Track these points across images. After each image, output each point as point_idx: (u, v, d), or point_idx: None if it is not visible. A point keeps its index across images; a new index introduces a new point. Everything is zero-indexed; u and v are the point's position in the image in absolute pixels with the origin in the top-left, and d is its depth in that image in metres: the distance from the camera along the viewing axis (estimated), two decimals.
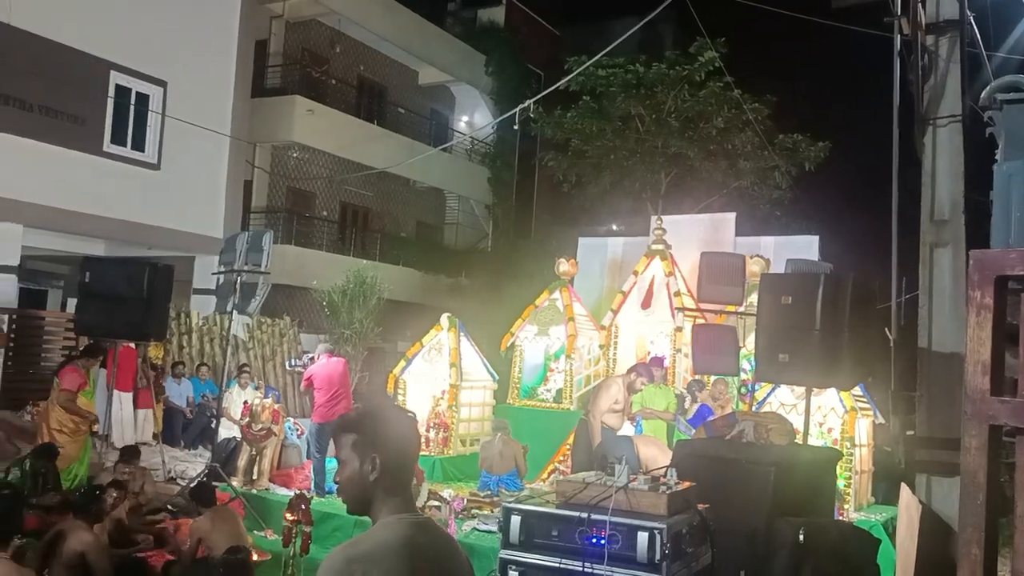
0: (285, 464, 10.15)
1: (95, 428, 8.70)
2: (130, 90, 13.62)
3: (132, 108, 13.65)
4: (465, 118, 25.00)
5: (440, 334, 10.94)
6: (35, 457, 8.10)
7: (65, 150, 12.54)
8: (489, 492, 8.34)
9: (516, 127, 10.58)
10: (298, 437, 10.66)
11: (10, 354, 11.75)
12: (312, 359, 9.87)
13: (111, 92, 13.30)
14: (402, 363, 11.07)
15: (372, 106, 22.17)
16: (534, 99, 10.83)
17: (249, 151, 17.28)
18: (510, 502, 3.87)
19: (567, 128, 18.83)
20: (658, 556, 3.43)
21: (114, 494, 6.96)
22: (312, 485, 8.97)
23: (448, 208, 24.98)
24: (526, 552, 3.57)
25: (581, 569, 3.41)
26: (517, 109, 10.18)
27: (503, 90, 22.99)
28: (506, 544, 3.63)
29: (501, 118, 12.38)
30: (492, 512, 7.68)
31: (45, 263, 16.27)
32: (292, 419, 10.78)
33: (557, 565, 3.49)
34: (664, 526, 3.51)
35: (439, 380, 10.55)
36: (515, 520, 3.61)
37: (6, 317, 11.72)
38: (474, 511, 7.91)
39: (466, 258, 22.27)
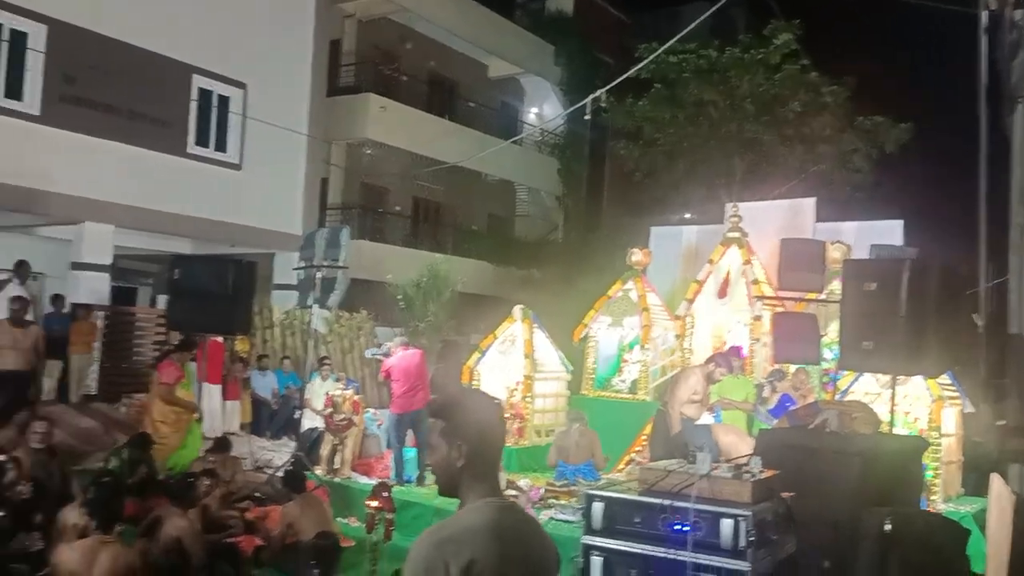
0: (365, 454, 10.39)
1: (197, 417, 9.08)
2: (212, 93, 14.08)
3: (214, 110, 14.10)
4: (535, 110, 25.02)
5: (513, 326, 11.03)
6: (131, 447, 8.48)
7: (152, 152, 13.03)
8: (566, 482, 8.38)
9: (587, 117, 10.53)
10: (378, 427, 10.88)
11: (105, 350, 12.29)
12: (388, 351, 10.05)
13: (194, 95, 13.76)
14: (476, 355, 11.20)
15: (443, 101, 22.39)
16: (605, 88, 10.75)
17: (325, 149, 17.66)
18: (592, 489, 3.91)
19: (638, 116, 18.69)
20: (743, 543, 3.43)
21: (206, 482, 7.27)
22: (392, 474, 9.16)
23: (519, 200, 25.06)
24: (609, 538, 3.61)
25: (664, 556, 3.44)
26: (588, 99, 10.14)
27: (573, 80, 22.92)
28: (588, 530, 3.68)
29: (571, 109, 12.35)
30: (569, 501, 7.73)
31: (134, 262, 16.95)
32: (372, 410, 11.01)
33: (640, 551, 3.52)
34: (748, 513, 3.50)
35: (513, 371, 10.64)
36: (597, 507, 3.66)
37: (101, 314, 12.27)
38: (551, 500, 7.97)
39: (537, 250, 22.31)
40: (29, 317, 9.76)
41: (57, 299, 12.16)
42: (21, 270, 11.49)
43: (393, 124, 18.92)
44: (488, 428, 2.20)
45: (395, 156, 20.21)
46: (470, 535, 2.02)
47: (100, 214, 12.45)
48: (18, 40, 11.60)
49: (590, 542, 3.69)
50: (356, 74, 20.03)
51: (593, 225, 23.55)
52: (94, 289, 12.52)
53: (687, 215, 19.76)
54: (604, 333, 11.03)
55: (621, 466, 9.47)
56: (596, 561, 3.62)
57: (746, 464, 3.83)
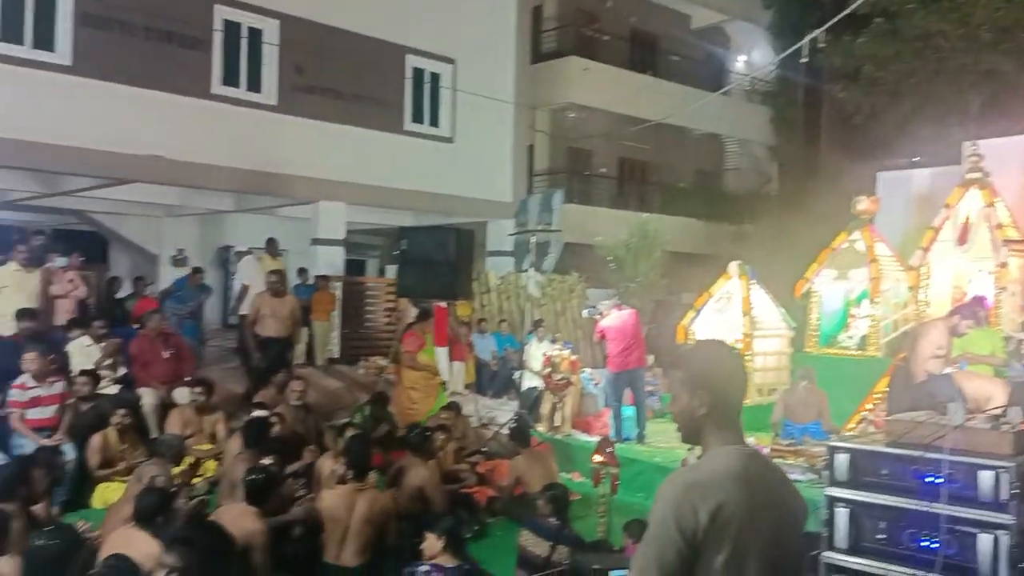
0: (584, 412, 10.62)
1: (441, 380, 9.73)
2: (424, 71, 14.74)
3: (427, 87, 14.77)
4: (743, 57, 23.98)
5: (729, 283, 10.78)
6: (372, 404, 9.25)
7: (374, 132, 13.88)
8: (792, 440, 8.15)
9: (804, 59, 9.94)
10: (594, 386, 11.08)
11: (342, 317, 13.36)
12: (601, 313, 10.17)
13: (408, 74, 14.48)
14: (691, 314, 11.06)
15: (645, 57, 22.03)
16: (823, 27, 10.11)
17: (530, 116, 17.97)
18: (836, 440, 3.82)
19: (858, 55, 17.36)
20: (1004, 495, 3.23)
21: (441, 437, 7.78)
22: (611, 431, 9.31)
23: (728, 153, 24.22)
24: (854, 490, 3.52)
25: (916, 507, 3.30)
26: (805, 40, 9.57)
27: (784, 23, 21.68)
28: (833, 482, 3.60)
29: (785, 53, 11.69)
30: (796, 461, 7.52)
31: (362, 236, 18.21)
32: (588, 369, 11.21)
33: (889, 503, 3.40)
34: (1011, 465, 3.30)
35: (731, 330, 10.41)
36: (842, 458, 3.57)
37: (338, 284, 13.34)
38: (776, 460, 7.78)
39: (749, 204, 21.48)
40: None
41: (301, 272, 13.37)
42: (271, 246, 12.74)
43: (596, 85, 18.89)
44: (729, 376, 2.22)
45: (599, 117, 20.19)
46: (718, 480, 2.05)
47: (333, 193, 13.47)
48: (255, 36, 12.73)
49: (834, 493, 3.61)
50: (558, 38, 20.15)
51: (811, 174, 22.29)
52: (331, 262, 13.61)
53: (915, 158, 18.22)
54: (828, 287, 10.51)
55: (851, 425, 9.04)
56: (841, 512, 3.54)
57: (1003, 415, 3.57)
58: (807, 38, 9.78)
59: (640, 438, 9.45)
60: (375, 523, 5.49)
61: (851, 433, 7.08)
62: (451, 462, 8.01)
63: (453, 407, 8.89)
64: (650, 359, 10.60)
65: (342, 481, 5.84)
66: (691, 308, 11.22)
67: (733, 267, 10.68)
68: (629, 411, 9.67)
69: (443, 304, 10.64)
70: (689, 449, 6.80)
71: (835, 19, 10.33)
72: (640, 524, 5.55)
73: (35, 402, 7.26)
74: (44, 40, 10.66)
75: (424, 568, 4.43)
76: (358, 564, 5.45)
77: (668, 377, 2.29)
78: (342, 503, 5.53)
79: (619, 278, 16.58)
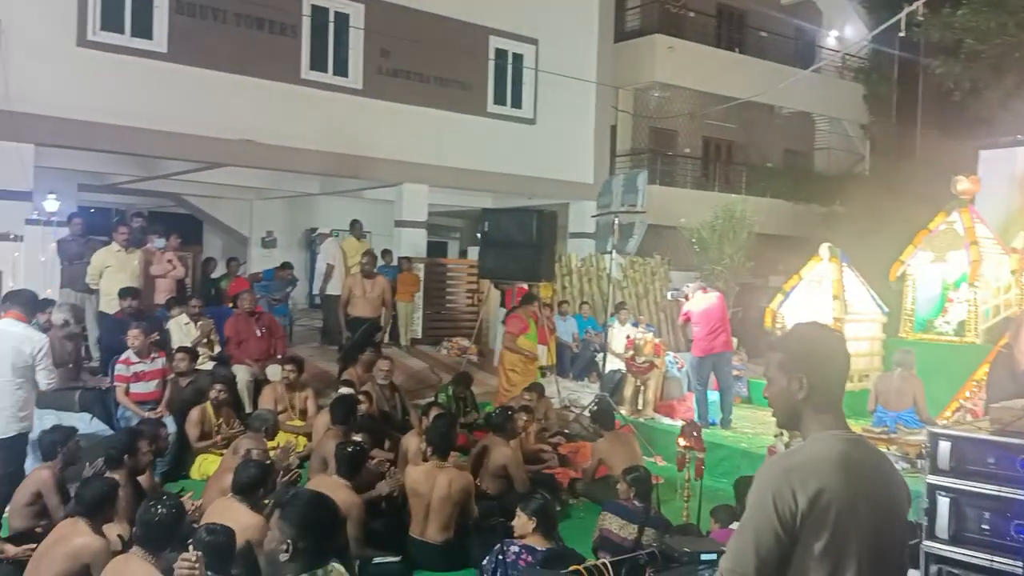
0: (667, 395, 10.54)
1: (540, 364, 9.79)
2: (507, 52, 14.73)
3: (510, 68, 14.76)
4: (834, 33, 23.17)
5: (820, 265, 10.48)
6: (455, 384, 9.37)
7: (457, 114, 13.97)
8: (885, 428, 7.90)
9: (901, 33, 9.53)
10: (678, 370, 10.97)
11: (425, 298, 13.54)
12: (685, 296, 10.03)
13: (491, 56, 14.50)
14: (779, 297, 10.80)
15: (732, 34, 21.51)
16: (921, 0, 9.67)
17: (613, 96, 17.78)
18: (937, 427, 3.68)
19: (958, 28, 16.55)
20: None
21: (524, 417, 7.81)
22: (695, 416, 9.21)
23: (818, 132, 23.50)
24: (957, 478, 3.40)
25: (1022, 498, 3.15)
26: (903, 13, 9.17)
27: None
28: (934, 470, 3.48)
29: (881, 27, 11.23)
30: (888, 449, 7.29)
31: (443, 217, 18.40)
32: (671, 353, 11.09)
33: (995, 492, 3.27)
34: None
35: (820, 314, 10.10)
36: (944, 446, 3.44)
37: (421, 266, 13.52)
38: None
39: (840, 184, 20.81)
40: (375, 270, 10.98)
41: (385, 253, 13.59)
42: (355, 228, 12.99)
43: (681, 63, 18.55)
44: (830, 359, 2.16)
45: (683, 96, 19.84)
46: (817, 465, 2.01)
47: (416, 175, 13.63)
48: (341, 22, 12.94)
49: (936, 482, 3.49)
50: (642, 16, 19.84)
51: (906, 153, 21.45)
52: (413, 244, 13.80)
53: (1020, 136, 17.30)
54: (925, 270, 10.11)
55: (947, 414, 8.70)
56: (943, 502, 3.42)
57: None
58: (905, 11, 9.36)
59: (725, 423, 9.32)
60: (455, 501, 5.57)
61: (947, 421, 6.83)
62: (533, 443, 8.05)
63: (536, 388, 8.92)
64: (735, 343, 10.42)
65: (425, 458, 5.93)
66: (779, 291, 10.95)
67: (824, 249, 10.37)
68: (714, 395, 9.55)
69: (525, 286, 10.67)
70: (777, 435, 6.70)
71: None
72: (728, 509, 5.48)
73: (138, 377, 7.60)
74: (142, 28, 11.07)
75: (515, 549, 4.45)
76: (442, 540, 5.55)
77: (765, 359, 2.23)
78: (424, 480, 5.63)
79: (703, 260, 16.32)
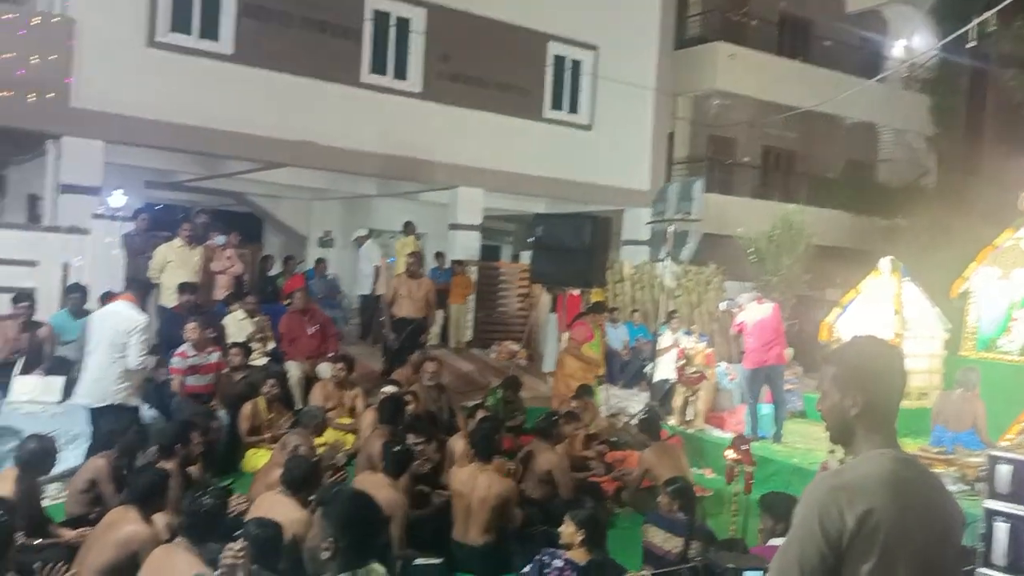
0: (717, 407, 10.37)
1: (599, 373, 9.76)
2: (565, 58, 14.72)
3: (567, 74, 14.74)
4: (901, 42, 22.61)
5: (879, 279, 10.24)
6: (504, 388, 9.36)
7: (513, 119, 13.99)
8: (943, 449, 7.66)
9: (971, 44, 9.26)
10: (729, 381, 10.79)
11: (477, 301, 13.59)
12: (739, 306, 9.88)
13: (549, 61, 14.50)
14: (837, 310, 10.58)
15: (795, 42, 21.14)
16: (993, 10, 9.38)
17: (672, 103, 17.63)
18: (998, 450, 3.55)
19: None
20: None
21: (569, 424, 7.77)
22: (746, 429, 9.05)
23: (882, 143, 22.94)
24: (1017, 504, 3.26)
25: None
26: (974, 23, 8.92)
27: (948, 6, 20.28)
28: (992, 494, 3.35)
29: (950, 36, 10.93)
30: (946, 470, 7.07)
31: (496, 221, 18.43)
32: (724, 364, 10.93)
33: None
34: None
35: (878, 329, 9.87)
36: (1004, 469, 3.32)
37: (475, 268, 13.57)
38: None
39: (904, 197, 20.27)
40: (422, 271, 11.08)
41: (439, 256, 13.69)
42: (408, 228, 13.11)
43: (742, 71, 18.29)
44: (886, 376, 2.09)
45: (743, 105, 19.56)
46: (867, 484, 1.95)
47: (471, 179, 13.70)
48: (402, 26, 13.07)
49: (994, 507, 3.36)
50: (703, 23, 19.64)
51: (973, 167, 20.81)
52: (467, 246, 13.86)
53: None
54: (989, 287, 9.79)
55: (1009, 436, 8.40)
56: (1001, 527, 3.30)
57: None
58: (975, 21, 9.09)
59: (777, 437, 9.14)
60: (492, 504, 5.55)
61: (1008, 444, 6.60)
62: (580, 450, 8.01)
63: (584, 395, 8.88)
64: (789, 354, 10.22)
65: (471, 460, 5.94)
66: (836, 305, 10.72)
67: (885, 263, 10.13)
68: (766, 409, 9.38)
69: (576, 292, 10.64)
70: (831, 452, 6.54)
71: (1006, 1, 9.55)
72: (778, 498, 5.24)
73: (193, 370, 7.78)
74: (209, 30, 11.35)
75: (558, 564, 4.38)
76: (483, 543, 5.54)
77: (820, 372, 2.17)
78: (467, 481, 5.63)
79: (759, 271, 16.06)
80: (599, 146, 14.93)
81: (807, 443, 9.05)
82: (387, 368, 9.63)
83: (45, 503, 5.45)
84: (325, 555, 2.97)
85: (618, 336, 12.88)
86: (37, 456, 4.97)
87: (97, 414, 6.49)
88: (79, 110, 10.22)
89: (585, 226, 9.66)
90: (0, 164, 14.31)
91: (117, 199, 10.98)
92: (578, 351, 9.41)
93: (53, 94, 10.01)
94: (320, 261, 14.05)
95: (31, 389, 7.31)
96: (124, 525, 4.20)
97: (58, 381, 7.40)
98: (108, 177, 10.78)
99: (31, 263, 9.31)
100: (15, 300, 8.05)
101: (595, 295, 12.15)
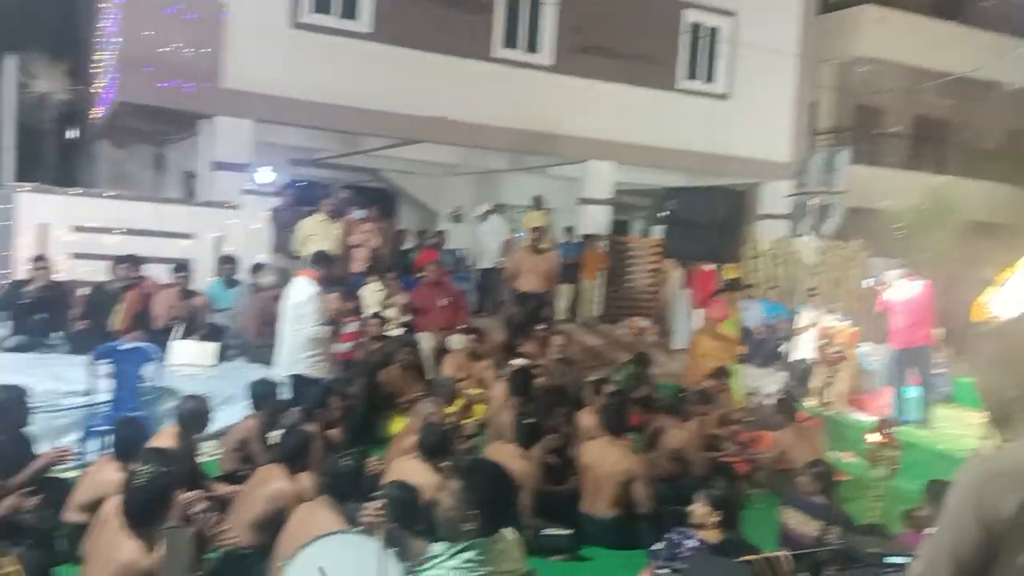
0: (859, 389, 9.94)
1: (740, 352, 9.58)
2: (700, 25, 14.29)
3: (703, 41, 14.31)
4: None
5: None
6: (633, 364, 9.30)
7: (645, 89, 13.72)
8: None
9: None
10: (873, 362, 10.30)
11: (607, 276, 13.49)
12: (885, 284, 9.40)
13: (684, 29, 14.11)
14: (991, 289, 9.86)
15: (951, 3, 19.68)
16: None
17: (815, 71, 16.81)
18: None
19: None
20: None
21: (701, 403, 7.63)
22: (891, 412, 8.63)
23: None
24: None
25: None
26: None
27: None
28: None
29: None
30: None
31: (626, 195, 18.17)
32: (868, 344, 10.43)
33: None
34: None
35: None
36: None
37: (605, 243, 13.47)
38: None
39: None
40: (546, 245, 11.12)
41: (568, 230, 13.67)
42: (537, 203, 13.15)
43: (892, 36, 17.23)
44: None
45: (893, 71, 18.40)
46: None
47: (602, 152, 13.55)
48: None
49: None
50: None
51: None
52: (597, 221, 13.74)
53: None
54: None
55: None
56: None
57: None
58: None
59: (924, 422, 8.67)
60: (618, 480, 5.53)
61: None
62: (712, 428, 7.85)
63: (719, 374, 8.69)
64: (939, 335, 9.65)
65: (599, 435, 5.94)
66: (991, 283, 9.99)
67: None
68: (912, 392, 8.90)
69: (709, 267, 10.40)
70: (983, 439, 6.15)
71: None
72: (946, 486, 5.01)
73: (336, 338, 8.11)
74: (349, 9, 11.70)
75: (690, 544, 4.30)
76: (611, 517, 5.54)
77: (976, 352, 2.03)
78: (595, 454, 5.64)
79: (907, 247, 15.17)
80: (737, 116, 14.42)
81: (956, 429, 8.56)
82: (509, 342, 9.73)
83: (201, 459, 5.85)
84: (459, 521, 3.05)
85: (753, 314, 12.51)
86: (194, 415, 5.33)
87: (290, 382, 6.85)
88: (230, 91, 10.78)
89: (720, 200, 9.44)
90: (160, 143, 15.34)
91: (264, 175, 11.55)
92: (715, 330, 9.17)
93: (207, 76, 10.60)
94: (439, 234, 14.28)
95: (189, 353, 7.84)
96: (272, 482, 4.45)
97: (213, 346, 7.91)
98: (256, 155, 11.34)
99: (188, 235, 9.94)
100: (175, 270, 8.65)
101: (729, 271, 11.83)
